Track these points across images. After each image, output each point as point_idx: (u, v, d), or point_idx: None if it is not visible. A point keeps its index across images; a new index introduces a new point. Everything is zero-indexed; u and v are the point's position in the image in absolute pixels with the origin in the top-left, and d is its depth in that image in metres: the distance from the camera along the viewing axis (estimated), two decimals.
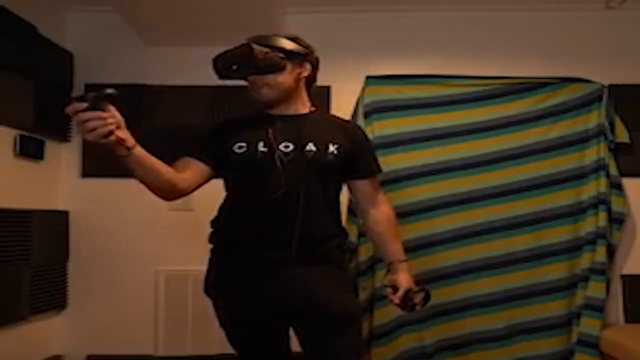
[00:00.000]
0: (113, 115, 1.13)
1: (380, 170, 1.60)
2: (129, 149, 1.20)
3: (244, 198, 1.45)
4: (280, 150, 1.41)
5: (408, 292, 1.44)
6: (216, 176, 1.50)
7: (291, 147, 1.42)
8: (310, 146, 1.42)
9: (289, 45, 1.46)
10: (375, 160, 1.60)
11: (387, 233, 1.56)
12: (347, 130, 1.54)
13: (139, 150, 1.24)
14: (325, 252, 1.43)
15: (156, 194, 1.39)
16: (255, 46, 1.37)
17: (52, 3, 2.70)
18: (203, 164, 1.46)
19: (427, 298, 1.46)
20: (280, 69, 1.43)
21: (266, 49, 1.40)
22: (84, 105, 1.08)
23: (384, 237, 1.56)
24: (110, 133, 1.12)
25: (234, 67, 1.41)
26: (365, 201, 1.58)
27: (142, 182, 1.32)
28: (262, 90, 1.45)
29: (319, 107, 1.60)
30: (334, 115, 1.71)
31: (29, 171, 2.51)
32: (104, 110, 1.11)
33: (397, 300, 1.46)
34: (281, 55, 1.43)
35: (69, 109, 1.09)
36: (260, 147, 1.41)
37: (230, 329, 1.49)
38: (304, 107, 1.53)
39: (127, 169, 1.26)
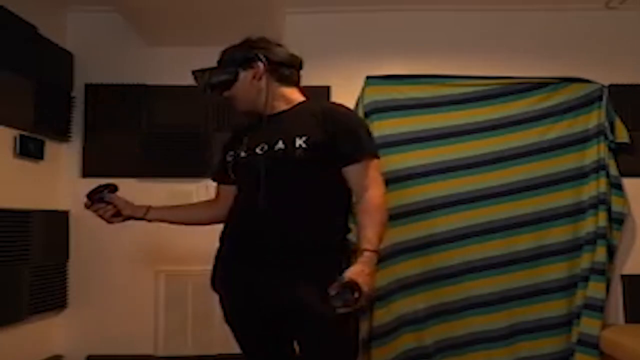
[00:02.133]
0: (112, 205, 1.60)
1: (368, 153, 1.44)
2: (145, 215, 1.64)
3: (236, 202, 1.52)
4: (255, 152, 1.44)
5: (345, 283, 1.23)
6: None
7: (265, 147, 1.43)
8: (280, 144, 1.41)
9: (229, 53, 1.52)
10: (363, 143, 1.43)
11: (364, 219, 1.38)
12: (324, 117, 1.42)
13: (154, 214, 1.64)
14: (312, 252, 1.37)
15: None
16: (198, 74, 1.51)
17: (52, 3, 2.70)
18: (226, 185, 1.61)
19: (356, 302, 1.22)
20: (232, 81, 1.48)
21: (208, 70, 1.50)
22: (87, 201, 1.59)
23: (360, 222, 1.39)
24: (118, 214, 1.60)
25: (202, 90, 1.53)
26: (355, 187, 1.43)
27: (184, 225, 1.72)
28: (233, 104, 1.53)
29: (309, 98, 1.55)
30: (321, 102, 1.63)
31: (29, 171, 2.51)
32: (105, 201, 1.60)
33: (330, 291, 1.23)
34: (225, 68, 1.50)
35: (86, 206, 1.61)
36: (242, 153, 1.48)
37: (233, 324, 1.51)
38: (285, 103, 1.50)
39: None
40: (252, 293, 1.40)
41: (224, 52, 1.53)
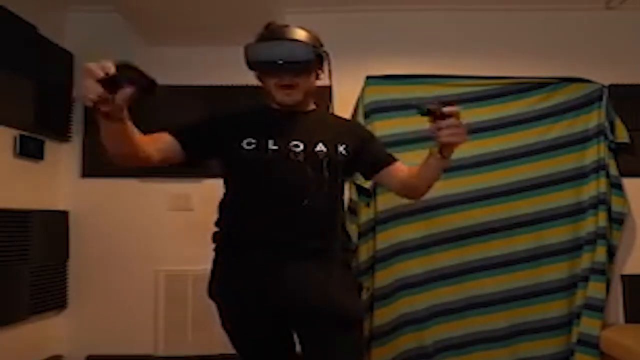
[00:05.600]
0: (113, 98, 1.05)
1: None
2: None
3: (251, 197, 1.40)
4: (290, 149, 1.39)
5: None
6: (186, 164, 1.45)
7: (301, 146, 1.40)
8: (320, 146, 1.41)
9: (318, 43, 1.46)
10: (385, 148, 1.62)
11: (413, 171, 1.49)
12: (352, 128, 1.57)
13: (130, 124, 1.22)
14: (331, 252, 1.42)
15: (115, 156, 1.30)
16: (309, 43, 1.38)
17: (52, 3, 2.70)
18: (180, 147, 1.39)
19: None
20: (312, 70, 1.44)
21: (312, 48, 1.38)
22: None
23: (415, 173, 1.47)
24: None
25: (280, 62, 1.35)
26: (392, 184, 1.55)
27: (112, 144, 1.25)
28: (289, 89, 1.42)
29: (319, 104, 1.60)
30: (333, 114, 1.68)
31: (29, 171, 2.51)
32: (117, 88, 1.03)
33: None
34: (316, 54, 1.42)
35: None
36: (271, 145, 1.39)
37: (236, 333, 1.46)
38: (310, 104, 1.55)
39: (105, 129, 1.19)
40: (265, 297, 1.36)
41: (293, 32, 1.41)
